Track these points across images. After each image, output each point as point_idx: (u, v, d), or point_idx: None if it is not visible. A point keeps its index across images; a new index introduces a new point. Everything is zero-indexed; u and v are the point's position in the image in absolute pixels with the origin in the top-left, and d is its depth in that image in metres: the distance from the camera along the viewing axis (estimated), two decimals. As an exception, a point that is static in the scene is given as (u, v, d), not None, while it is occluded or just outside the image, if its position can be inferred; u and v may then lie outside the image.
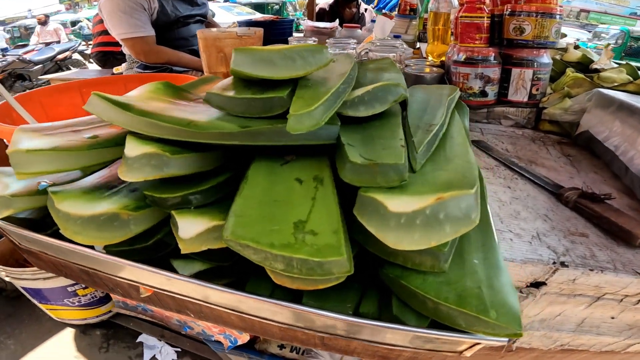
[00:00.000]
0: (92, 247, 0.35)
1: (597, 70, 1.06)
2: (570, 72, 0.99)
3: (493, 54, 0.92)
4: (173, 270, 0.35)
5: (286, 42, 1.12)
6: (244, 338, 0.64)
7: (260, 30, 0.93)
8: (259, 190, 0.32)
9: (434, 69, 1.00)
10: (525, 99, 0.94)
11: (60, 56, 4.67)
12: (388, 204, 0.27)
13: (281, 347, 0.72)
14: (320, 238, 0.27)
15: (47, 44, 4.83)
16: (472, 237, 0.36)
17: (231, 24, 1.35)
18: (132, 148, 0.32)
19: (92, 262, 0.36)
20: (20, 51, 4.41)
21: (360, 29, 1.64)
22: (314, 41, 1.09)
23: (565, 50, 1.22)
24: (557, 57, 1.17)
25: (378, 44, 0.94)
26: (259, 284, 0.34)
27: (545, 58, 0.92)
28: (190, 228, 0.30)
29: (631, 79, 0.88)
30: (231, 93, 0.36)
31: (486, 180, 0.68)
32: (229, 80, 0.40)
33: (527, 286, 0.52)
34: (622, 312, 0.53)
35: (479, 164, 0.75)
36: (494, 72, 0.92)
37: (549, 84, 1.01)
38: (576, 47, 1.25)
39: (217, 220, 0.31)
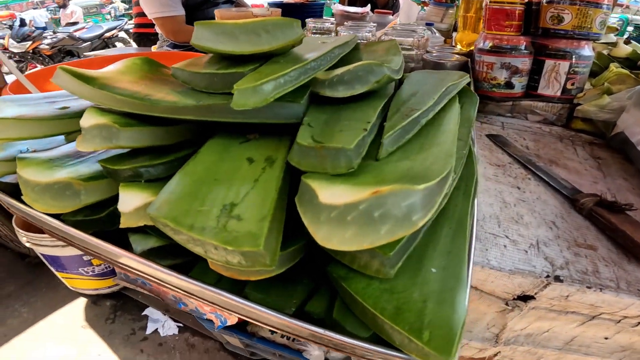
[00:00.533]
0: (57, 217, 0.35)
1: (648, 67, 0.92)
2: (614, 67, 0.87)
3: (524, 43, 0.82)
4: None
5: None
6: (232, 319, 0.63)
7: (277, 11, 0.89)
8: (202, 168, 0.29)
9: (457, 56, 0.92)
10: (558, 94, 0.84)
11: (107, 34, 4.83)
12: (320, 193, 0.23)
13: (272, 331, 0.71)
14: (243, 224, 0.24)
15: (71, 24, 4.99)
16: (441, 241, 0.32)
17: (264, 8, 1.32)
18: (87, 119, 0.30)
19: (57, 231, 0.36)
20: (71, 29, 4.60)
21: (392, 14, 1.55)
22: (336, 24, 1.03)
23: (614, 44, 1.08)
24: (605, 52, 1.04)
25: (398, 28, 0.87)
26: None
27: (586, 50, 0.81)
28: (130, 202, 0.28)
29: (684, 77, 0.76)
30: (195, 68, 0.34)
31: (493, 179, 0.62)
32: (206, 56, 0.38)
33: (514, 299, 0.47)
34: (618, 333, 0.46)
35: (491, 160, 0.68)
36: (523, 63, 0.83)
37: (589, 79, 0.90)
38: (627, 42, 1.10)
39: (151, 196, 0.29)
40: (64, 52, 4.44)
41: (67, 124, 0.35)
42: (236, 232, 0.23)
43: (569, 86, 0.83)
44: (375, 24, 0.90)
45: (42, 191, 0.31)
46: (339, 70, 0.36)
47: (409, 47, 0.89)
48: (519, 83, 0.86)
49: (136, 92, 0.31)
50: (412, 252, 0.30)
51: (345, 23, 0.92)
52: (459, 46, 1.12)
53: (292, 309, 0.30)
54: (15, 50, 4.14)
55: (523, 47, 0.82)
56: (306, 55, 0.36)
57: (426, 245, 0.31)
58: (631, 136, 0.66)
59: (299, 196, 0.26)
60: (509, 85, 0.86)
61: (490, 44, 0.85)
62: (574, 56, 0.80)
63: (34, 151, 0.38)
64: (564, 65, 0.81)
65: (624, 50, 1.01)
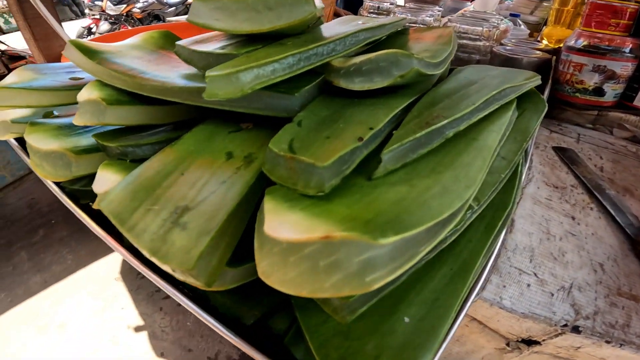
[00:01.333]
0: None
1: None
2: None
3: (630, 46, 0.65)
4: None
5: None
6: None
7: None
8: (174, 157, 0.25)
9: (539, 53, 0.77)
10: (661, 110, 0.67)
11: (190, 0, 4.95)
12: (268, 220, 0.19)
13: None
14: (183, 236, 0.20)
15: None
16: (432, 284, 0.26)
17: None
18: (82, 93, 0.29)
19: (58, 196, 0.36)
20: (160, -7, 4.80)
21: (471, 1, 1.34)
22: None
23: None
24: None
25: (468, 15, 0.74)
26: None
27: None
28: (103, 183, 0.27)
29: None
30: (197, 46, 0.30)
31: (544, 203, 0.51)
32: (218, 33, 0.34)
33: (518, 341, 0.39)
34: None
35: (549, 179, 0.56)
36: (624, 68, 0.66)
37: None
38: None
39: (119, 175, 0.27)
40: (152, 16, 4.68)
41: (73, 95, 0.35)
42: (171, 244, 0.20)
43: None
44: (440, 10, 0.77)
45: (41, 158, 0.31)
46: (357, 59, 0.30)
47: (476, 37, 0.76)
48: (612, 91, 0.69)
49: (131, 70, 0.29)
50: (392, 291, 0.25)
51: (406, 4, 0.80)
52: (545, 41, 0.93)
53: (251, 320, 0.27)
54: (111, 13, 4.42)
55: (627, 50, 0.65)
56: (322, 37, 0.30)
57: (412, 286, 0.25)
58: None
59: (260, 211, 0.22)
60: (598, 92, 0.70)
61: (585, 43, 0.68)
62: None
63: (55, 116, 0.39)
64: (677, 76, 0.62)
65: None
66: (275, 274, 0.19)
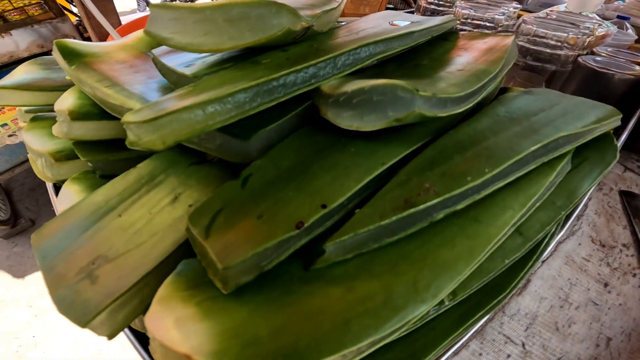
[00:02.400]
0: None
1: None
2: None
3: None
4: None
5: None
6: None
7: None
8: (120, 190, 0.23)
9: (634, 67, 0.60)
10: None
11: None
12: (151, 308, 0.16)
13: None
14: (90, 291, 0.18)
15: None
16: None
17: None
18: (58, 101, 0.27)
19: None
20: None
21: None
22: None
23: None
24: None
25: (554, 16, 0.58)
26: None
27: None
28: (64, 199, 0.26)
29: None
30: (168, 58, 0.25)
31: (578, 264, 0.41)
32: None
33: None
34: None
35: (598, 234, 0.45)
36: None
37: None
38: None
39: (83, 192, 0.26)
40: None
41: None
42: (77, 296, 0.18)
43: None
44: (518, 7, 0.61)
45: (35, 155, 0.30)
46: (352, 85, 0.24)
47: (557, 44, 0.61)
48: None
49: (101, 79, 0.26)
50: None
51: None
52: None
53: None
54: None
55: None
56: (306, 56, 0.24)
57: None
58: None
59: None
60: None
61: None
62: None
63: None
64: None
65: None
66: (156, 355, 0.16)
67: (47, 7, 0.95)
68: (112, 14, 0.73)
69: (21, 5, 0.94)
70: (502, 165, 0.24)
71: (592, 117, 0.30)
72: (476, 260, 0.21)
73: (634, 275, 0.40)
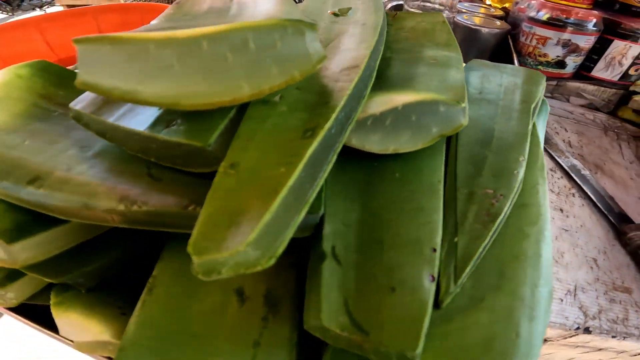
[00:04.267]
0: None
1: None
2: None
3: (594, 20, 0.59)
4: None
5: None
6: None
7: None
8: (164, 308, 0.16)
9: (495, 21, 0.69)
10: (616, 79, 0.63)
11: None
12: None
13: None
14: None
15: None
16: None
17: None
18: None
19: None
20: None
21: None
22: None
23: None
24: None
25: None
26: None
27: (665, 30, 0.58)
28: (77, 334, 0.18)
29: None
30: (120, 111, 0.17)
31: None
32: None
33: None
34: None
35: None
36: (587, 42, 0.61)
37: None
38: None
39: (104, 332, 0.18)
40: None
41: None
42: None
43: (631, 72, 0.61)
44: None
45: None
46: (376, 106, 0.21)
47: (440, 7, 0.66)
48: (573, 63, 0.64)
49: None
50: None
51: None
52: (489, 1, 0.84)
53: None
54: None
55: (592, 24, 0.59)
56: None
57: None
58: None
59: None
60: (560, 64, 0.65)
61: (548, 15, 0.61)
62: (649, 36, 0.57)
63: None
64: (634, 49, 0.58)
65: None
66: None
67: None
68: None
69: None
70: (526, 148, 0.24)
71: (531, 87, 0.32)
72: (545, 247, 0.21)
73: (574, 195, 0.48)
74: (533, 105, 0.29)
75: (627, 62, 0.59)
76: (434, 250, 0.17)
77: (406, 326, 0.14)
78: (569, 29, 0.59)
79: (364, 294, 0.15)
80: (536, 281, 0.18)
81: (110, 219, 0.17)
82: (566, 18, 0.59)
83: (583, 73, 0.67)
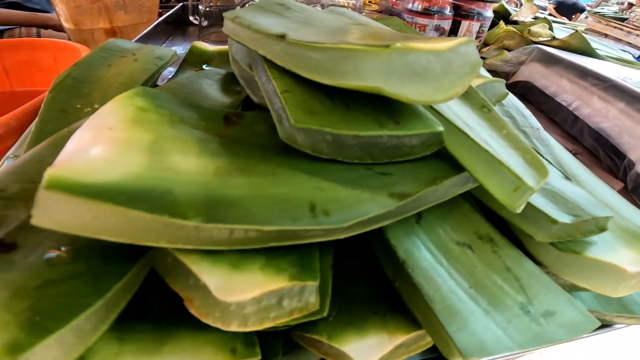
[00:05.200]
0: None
1: (516, 22, 0.99)
2: (502, 24, 0.91)
3: (448, 7, 0.77)
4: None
5: None
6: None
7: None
8: None
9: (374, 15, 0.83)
10: (469, 51, 0.84)
11: None
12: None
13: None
14: None
15: None
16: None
17: None
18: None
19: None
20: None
21: None
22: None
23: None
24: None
25: None
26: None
27: (489, 12, 0.81)
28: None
29: (553, 34, 0.83)
30: None
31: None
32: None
33: None
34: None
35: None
36: (448, 24, 0.79)
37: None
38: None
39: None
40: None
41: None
42: None
43: (477, 44, 0.83)
44: None
45: None
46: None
47: (344, 5, 0.75)
48: (443, 42, 0.82)
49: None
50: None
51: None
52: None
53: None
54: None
55: (447, 10, 0.77)
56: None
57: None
58: (544, 88, 0.70)
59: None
60: (435, 44, 0.82)
61: (421, 6, 0.77)
62: (481, 17, 0.79)
63: None
64: (475, 26, 0.79)
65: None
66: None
67: None
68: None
69: None
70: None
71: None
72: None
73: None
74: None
75: (473, 37, 0.80)
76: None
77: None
78: (436, 15, 0.76)
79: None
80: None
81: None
82: (433, 7, 0.76)
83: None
